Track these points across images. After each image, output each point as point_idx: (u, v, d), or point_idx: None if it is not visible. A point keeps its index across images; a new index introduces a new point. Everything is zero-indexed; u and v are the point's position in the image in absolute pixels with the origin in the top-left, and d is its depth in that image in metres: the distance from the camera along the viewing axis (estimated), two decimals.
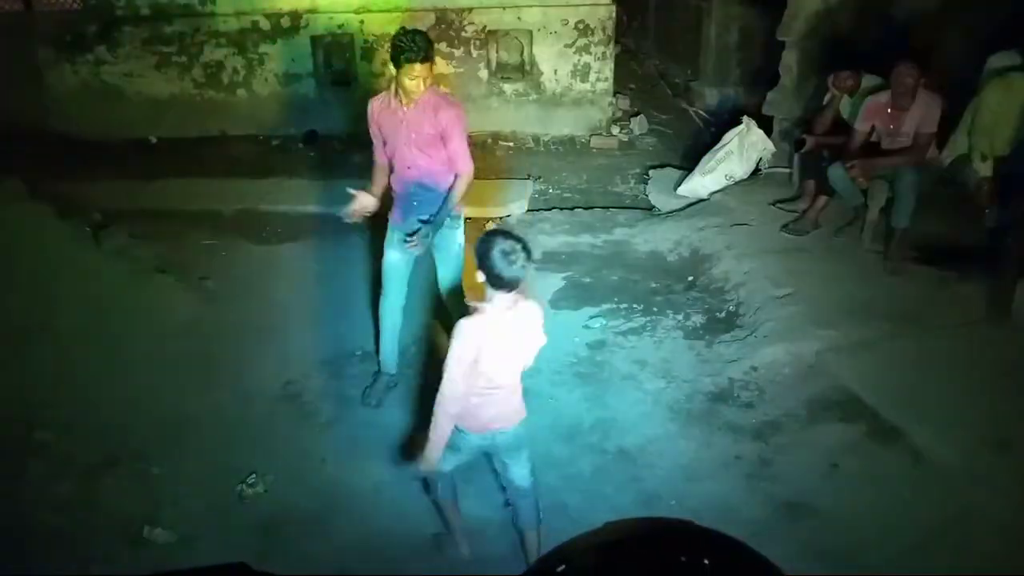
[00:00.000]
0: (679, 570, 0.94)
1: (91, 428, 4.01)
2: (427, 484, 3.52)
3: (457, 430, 3.12)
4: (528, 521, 3.36)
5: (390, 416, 4.31)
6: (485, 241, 2.94)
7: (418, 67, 3.82)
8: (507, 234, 2.97)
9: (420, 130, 3.98)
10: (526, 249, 2.91)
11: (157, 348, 4.59)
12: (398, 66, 3.84)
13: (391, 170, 4.16)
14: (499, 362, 3.05)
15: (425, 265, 4.44)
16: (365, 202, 4.15)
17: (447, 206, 4.05)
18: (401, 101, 3.97)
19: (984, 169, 5.25)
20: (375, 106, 4.11)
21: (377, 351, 4.50)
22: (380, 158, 4.18)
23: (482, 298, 3.03)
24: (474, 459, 3.40)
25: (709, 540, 0.98)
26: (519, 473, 3.29)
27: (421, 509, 3.71)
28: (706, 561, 0.94)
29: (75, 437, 3.94)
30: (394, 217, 4.24)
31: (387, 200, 4.27)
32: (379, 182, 4.21)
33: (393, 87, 3.98)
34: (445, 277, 4.33)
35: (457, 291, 4.30)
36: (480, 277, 2.95)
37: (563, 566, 0.96)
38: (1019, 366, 4.20)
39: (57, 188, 5.80)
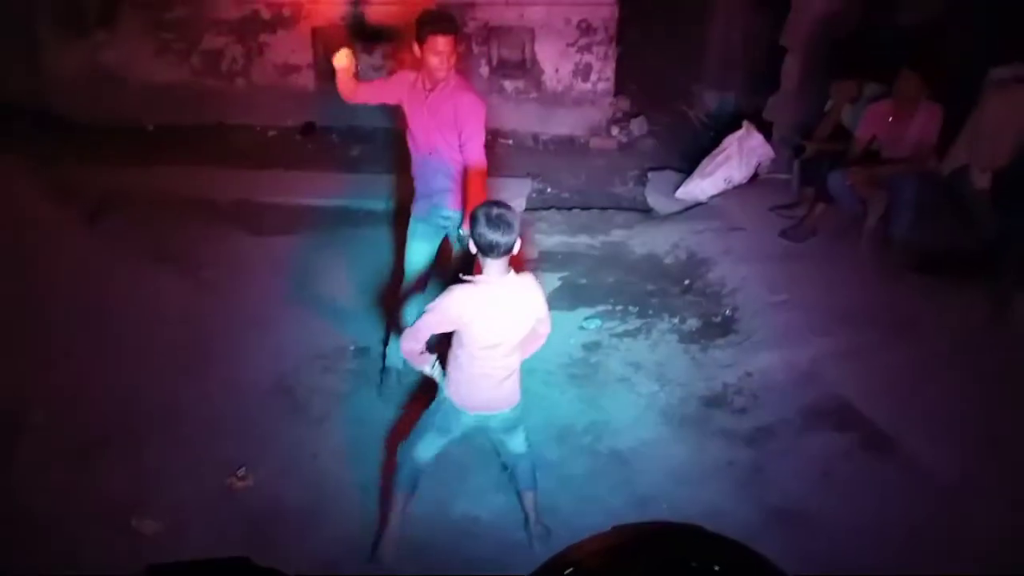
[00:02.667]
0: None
1: (82, 414, 3.98)
2: (392, 469, 3.51)
3: (453, 409, 3.26)
4: (526, 482, 3.51)
5: (383, 413, 4.29)
6: (476, 209, 3.06)
7: (441, 40, 3.77)
8: (495, 203, 3.08)
9: (439, 114, 3.92)
10: (514, 215, 3.04)
11: (151, 336, 4.55)
12: (422, 42, 3.79)
13: (413, 160, 4.11)
14: (492, 335, 3.12)
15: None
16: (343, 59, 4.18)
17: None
18: (425, 85, 3.93)
19: (982, 180, 5.25)
20: (406, 77, 4.07)
21: (385, 344, 4.44)
22: (376, 89, 4.22)
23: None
24: (460, 442, 3.51)
25: (720, 546, 0.96)
26: (514, 443, 3.46)
27: (410, 508, 3.69)
28: (716, 568, 0.92)
29: (66, 422, 3.91)
30: (417, 208, 4.20)
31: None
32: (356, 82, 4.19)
33: (424, 72, 3.92)
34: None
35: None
36: (473, 249, 3.06)
37: (570, 569, 0.94)
38: (1014, 376, 4.19)
39: (53, 171, 5.75)
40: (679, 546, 0.98)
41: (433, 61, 3.80)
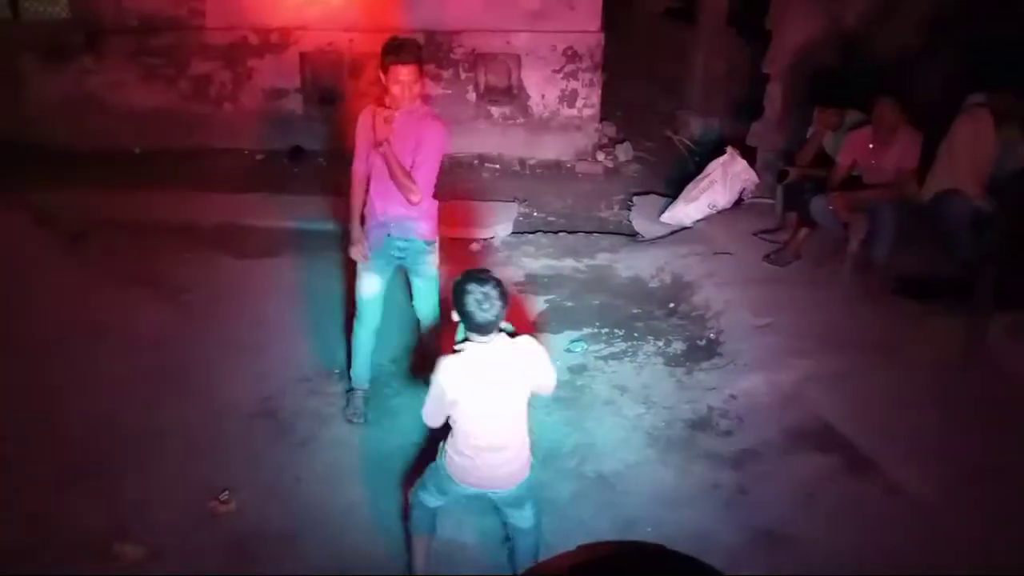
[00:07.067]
0: None
1: (62, 439, 3.95)
2: (407, 512, 3.41)
3: (449, 478, 3.10)
4: (523, 562, 3.22)
5: (366, 435, 4.28)
6: (460, 283, 2.90)
7: (403, 70, 3.72)
8: (482, 278, 2.89)
9: (404, 144, 3.85)
10: (501, 291, 2.87)
11: (133, 361, 4.53)
12: (385, 71, 3.75)
13: (368, 190, 4.06)
14: (479, 412, 2.96)
15: (400, 284, 4.45)
16: (361, 247, 4.11)
17: None
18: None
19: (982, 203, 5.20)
20: (367, 114, 3.96)
21: (348, 367, 4.45)
22: (362, 168, 4.06)
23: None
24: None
25: (679, 564, 0.97)
26: (520, 517, 3.22)
27: (394, 531, 3.68)
28: None
29: (43, 450, 3.88)
30: (370, 238, 4.11)
31: None
32: (359, 197, 4.10)
33: (387, 101, 3.86)
34: (422, 303, 4.29)
35: (434, 317, 4.29)
36: (455, 317, 2.95)
37: None
38: (993, 399, 4.22)
39: (37, 197, 5.74)
40: (640, 565, 0.99)
41: (395, 90, 3.75)
